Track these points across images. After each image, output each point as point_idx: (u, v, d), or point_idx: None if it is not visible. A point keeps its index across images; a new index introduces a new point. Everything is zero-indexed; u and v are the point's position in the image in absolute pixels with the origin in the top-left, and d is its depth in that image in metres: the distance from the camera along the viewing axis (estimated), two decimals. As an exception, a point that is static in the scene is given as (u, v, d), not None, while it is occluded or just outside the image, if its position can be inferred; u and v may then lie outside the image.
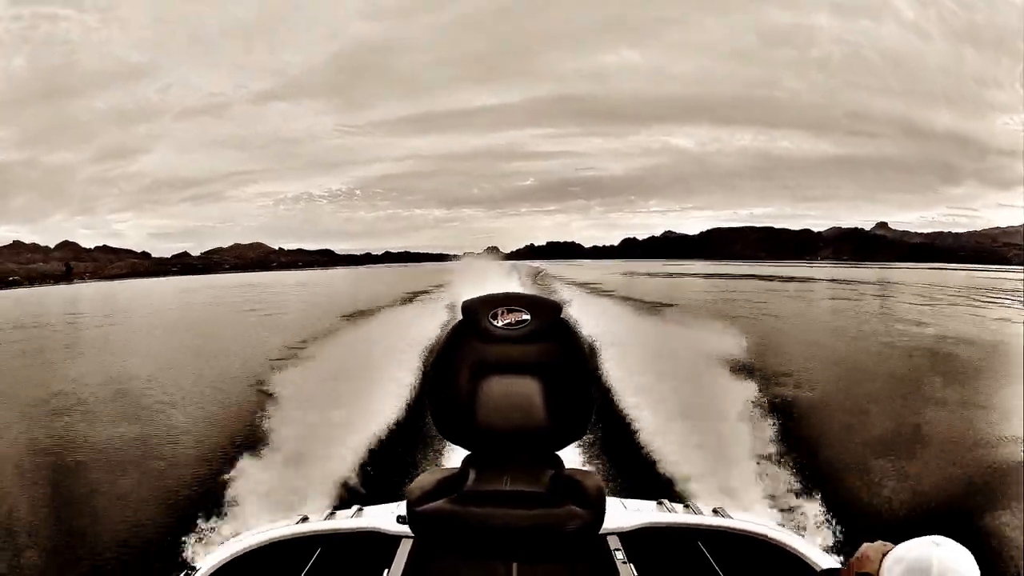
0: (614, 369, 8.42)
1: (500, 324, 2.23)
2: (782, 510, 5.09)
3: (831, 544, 4.60)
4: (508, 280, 24.98)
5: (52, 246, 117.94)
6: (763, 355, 12.26)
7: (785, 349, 14.81)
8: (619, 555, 2.20)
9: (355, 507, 2.77)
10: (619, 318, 15.81)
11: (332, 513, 2.73)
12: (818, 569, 2.03)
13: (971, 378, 11.32)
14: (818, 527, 4.93)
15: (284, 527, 2.51)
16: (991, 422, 8.10)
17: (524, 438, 2.18)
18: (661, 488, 5.34)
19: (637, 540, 2.34)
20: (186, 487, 6.19)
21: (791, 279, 49.29)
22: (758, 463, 5.87)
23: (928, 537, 1.18)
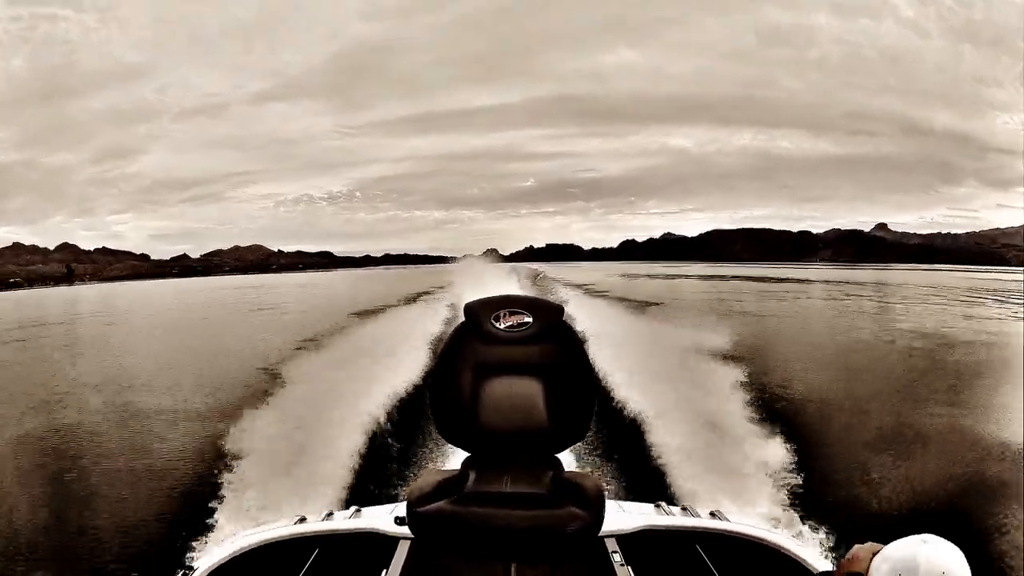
0: (600, 359, 8.52)
1: (502, 326, 2.24)
2: (774, 518, 5.10)
3: (826, 548, 4.60)
4: (508, 282, 25.03)
5: (52, 248, 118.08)
6: (738, 348, 12.51)
7: (759, 344, 15.09)
8: (617, 557, 2.20)
9: (353, 508, 2.77)
10: (606, 313, 16.84)
11: (330, 514, 2.73)
12: (814, 571, 2.04)
13: (956, 379, 11.39)
14: (792, 524, 4.96)
15: (282, 528, 2.51)
16: (980, 422, 8.13)
17: (525, 440, 2.18)
18: (659, 491, 5.34)
19: (635, 542, 2.35)
20: (194, 484, 6.22)
21: (784, 280, 49.62)
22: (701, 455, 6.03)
23: (917, 536, 1.19)
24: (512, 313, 2.25)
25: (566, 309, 2.43)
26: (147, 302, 44.69)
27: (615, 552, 2.23)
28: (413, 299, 24.51)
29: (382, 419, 6.91)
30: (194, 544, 4.65)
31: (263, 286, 59.53)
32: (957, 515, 5.46)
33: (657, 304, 24.28)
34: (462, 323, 2.28)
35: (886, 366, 12.99)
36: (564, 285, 30.03)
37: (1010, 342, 16.03)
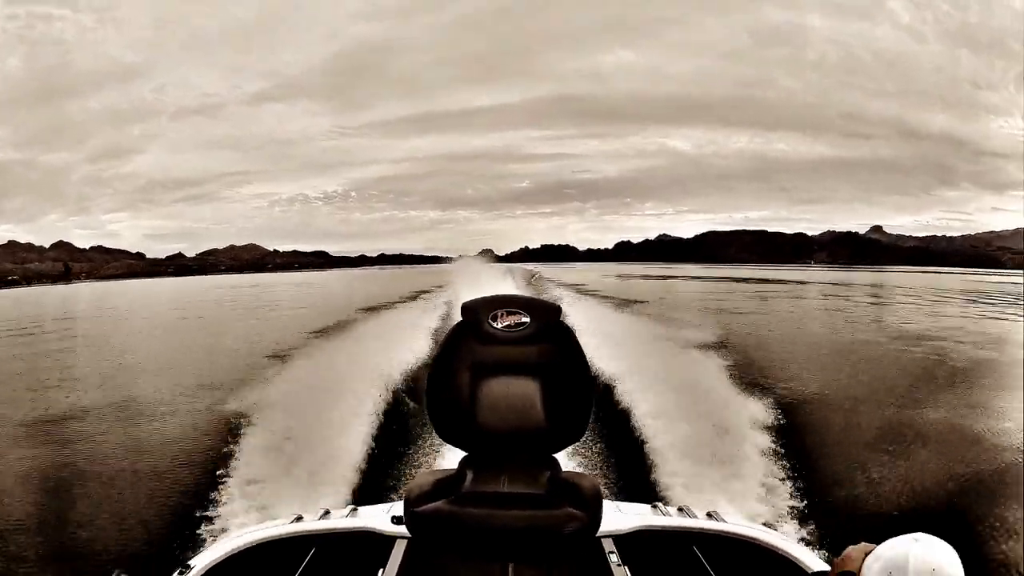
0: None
1: (500, 326, 2.24)
2: (761, 518, 5.12)
3: (821, 548, 4.62)
4: (504, 282, 25.13)
5: (47, 246, 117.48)
6: (710, 338, 13.32)
7: (734, 337, 15.73)
8: (614, 558, 2.21)
9: (350, 507, 2.77)
10: (594, 310, 17.97)
11: (326, 513, 2.73)
12: (810, 571, 2.05)
13: (950, 379, 11.50)
14: (788, 524, 5.00)
15: (278, 526, 2.51)
16: (976, 422, 8.18)
17: (522, 440, 2.18)
18: (656, 491, 5.36)
19: (632, 543, 2.35)
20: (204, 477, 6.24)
21: (777, 281, 50.20)
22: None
23: (909, 535, 1.19)
24: (509, 313, 2.25)
25: (563, 308, 2.42)
26: (154, 300, 45.52)
27: (612, 552, 2.23)
28: (413, 297, 25.43)
29: (380, 418, 6.92)
30: (191, 542, 4.65)
31: (260, 284, 59.95)
32: (954, 515, 5.49)
33: (641, 302, 25.38)
34: (459, 322, 2.29)
35: (874, 365, 13.11)
36: (556, 285, 30.73)
37: (1009, 343, 16.20)
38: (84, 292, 65.25)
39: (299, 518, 2.66)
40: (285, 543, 2.41)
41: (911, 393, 10.14)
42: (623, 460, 6.38)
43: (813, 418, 8.29)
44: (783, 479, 5.73)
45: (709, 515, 2.66)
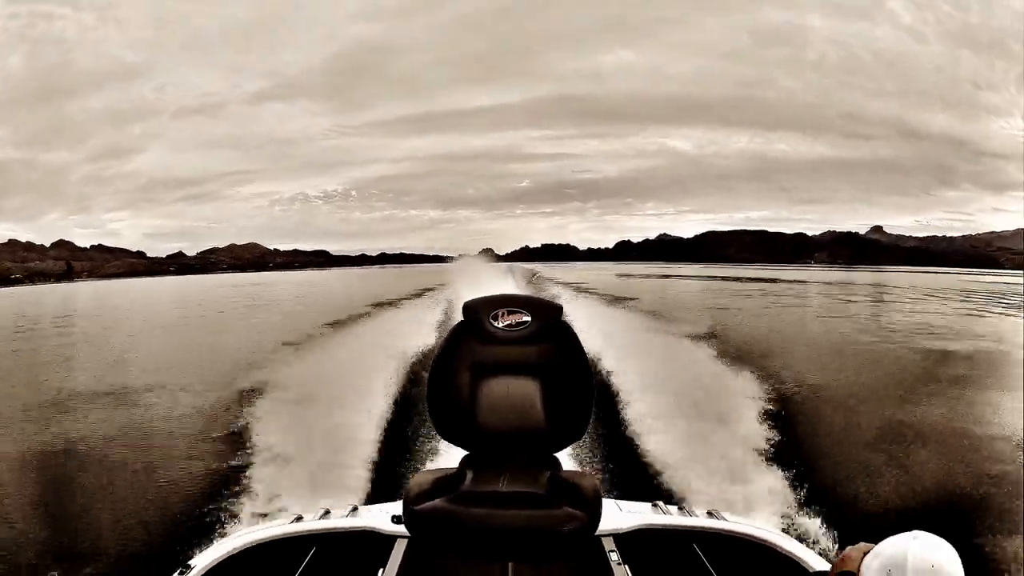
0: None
1: (500, 325, 2.24)
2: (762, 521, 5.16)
3: (823, 547, 4.62)
4: (504, 281, 25.21)
5: (47, 245, 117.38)
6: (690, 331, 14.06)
7: (717, 330, 16.43)
8: (614, 556, 2.21)
9: (350, 506, 2.78)
10: (586, 306, 19.37)
11: (327, 512, 2.73)
12: (810, 570, 2.05)
13: (948, 377, 11.58)
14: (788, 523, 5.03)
15: (278, 526, 2.51)
16: (973, 421, 8.20)
17: (522, 439, 2.18)
18: (656, 490, 5.36)
19: (632, 542, 2.36)
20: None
21: (771, 280, 50.63)
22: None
23: (908, 532, 1.19)
24: (510, 312, 2.25)
25: (565, 310, 2.42)
26: (163, 299, 46.59)
27: (612, 551, 2.24)
28: (418, 294, 26.75)
29: (381, 418, 6.92)
30: (193, 541, 4.65)
31: (263, 283, 60.39)
32: (953, 514, 5.50)
33: (632, 299, 26.97)
34: (460, 322, 2.29)
35: (874, 364, 13.22)
36: (555, 283, 31.88)
37: (1008, 343, 16.26)
38: (92, 290, 66.04)
39: (299, 518, 2.66)
40: (285, 543, 2.41)
41: (911, 392, 10.19)
42: (623, 459, 6.38)
43: (813, 417, 8.31)
44: (783, 478, 5.74)
45: (709, 513, 2.66)
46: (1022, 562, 4.69)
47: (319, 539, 2.46)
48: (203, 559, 2.22)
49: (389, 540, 2.32)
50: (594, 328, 12.01)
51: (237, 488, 5.65)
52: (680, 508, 2.78)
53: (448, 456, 6.03)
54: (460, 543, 2.03)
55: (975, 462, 6.83)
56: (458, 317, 2.32)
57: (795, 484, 5.65)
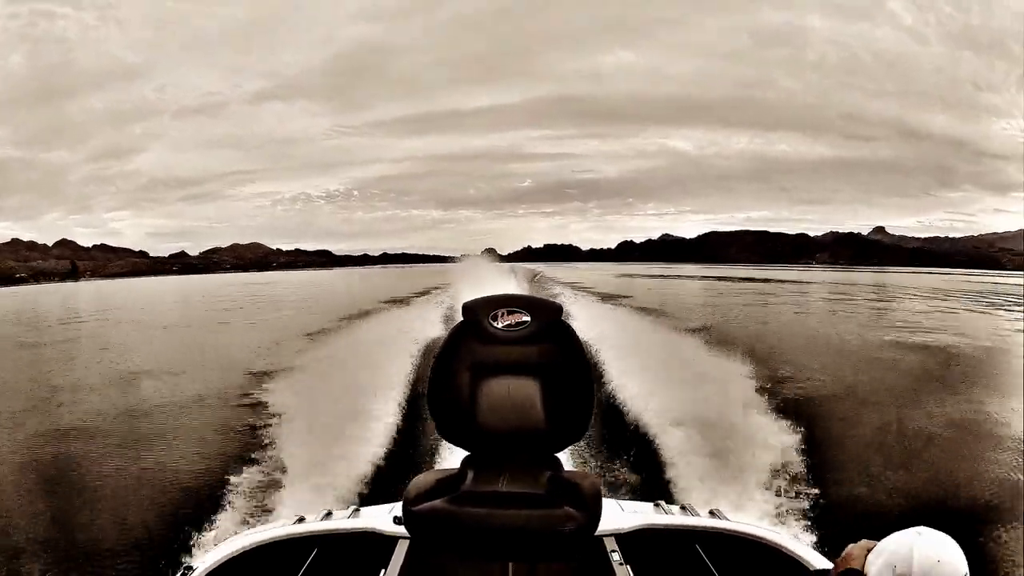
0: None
1: (500, 325, 2.23)
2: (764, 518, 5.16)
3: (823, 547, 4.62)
4: (506, 281, 25.20)
5: (50, 244, 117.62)
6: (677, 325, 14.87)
7: (709, 327, 17.26)
8: (615, 556, 2.20)
9: (352, 507, 2.78)
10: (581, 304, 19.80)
11: (328, 514, 2.73)
12: (812, 570, 2.04)
13: (947, 377, 11.60)
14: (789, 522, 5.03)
15: (280, 527, 2.51)
16: (973, 421, 8.21)
17: (523, 439, 2.18)
18: (658, 490, 5.36)
19: (634, 541, 2.35)
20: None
21: (769, 281, 50.73)
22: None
23: (912, 528, 1.19)
24: (510, 312, 2.24)
25: (566, 310, 2.42)
26: (172, 298, 47.15)
27: (614, 551, 2.23)
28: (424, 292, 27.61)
29: (382, 418, 6.92)
30: (195, 543, 4.66)
31: (269, 283, 60.88)
32: (956, 510, 5.50)
33: (626, 296, 28.37)
34: (461, 322, 2.28)
35: (874, 363, 13.23)
36: (556, 283, 32.58)
37: (1008, 343, 16.27)
38: (99, 289, 66.32)
39: (301, 519, 2.66)
40: (287, 544, 2.41)
41: (911, 390, 10.19)
42: (624, 458, 6.38)
43: (813, 416, 8.30)
44: (784, 478, 5.73)
45: (711, 513, 2.66)
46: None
47: (321, 540, 2.46)
48: (205, 560, 2.22)
49: (390, 541, 2.32)
50: (592, 327, 12.18)
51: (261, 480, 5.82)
52: (682, 508, 2.77)
53: (449, 456, 6.06)
54: (461, 543, 2.02)
55: (978, 460, 6.82)
56: (458, 317, 2.32)
57: (795, 484, 5.64)
